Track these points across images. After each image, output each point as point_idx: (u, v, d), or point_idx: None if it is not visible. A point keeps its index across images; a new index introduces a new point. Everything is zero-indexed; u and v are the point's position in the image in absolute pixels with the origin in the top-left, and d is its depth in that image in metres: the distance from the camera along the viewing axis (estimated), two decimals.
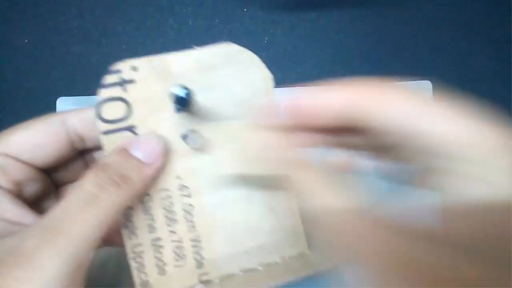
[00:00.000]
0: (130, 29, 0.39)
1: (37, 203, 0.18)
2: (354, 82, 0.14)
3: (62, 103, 0.38)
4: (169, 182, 0.18)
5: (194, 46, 0.18)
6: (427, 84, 0.40)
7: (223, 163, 0.18)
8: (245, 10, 0.40)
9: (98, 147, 0.18)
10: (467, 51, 0.41)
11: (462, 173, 0.12)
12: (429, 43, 0.41)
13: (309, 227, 0.19)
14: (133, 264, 0.17)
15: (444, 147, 0.12)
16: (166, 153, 0.17)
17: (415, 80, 0.40)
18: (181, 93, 0.16)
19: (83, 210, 0.14)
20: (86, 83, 0.38)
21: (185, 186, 0.18)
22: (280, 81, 0.18)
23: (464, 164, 0.12)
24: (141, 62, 0.17)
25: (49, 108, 0.38)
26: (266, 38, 0.39)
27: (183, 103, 0.16)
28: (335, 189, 0.13)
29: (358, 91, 0.14)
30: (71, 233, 0.14)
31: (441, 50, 0.41)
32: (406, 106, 0.13)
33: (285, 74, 0.40)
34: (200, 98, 0.17)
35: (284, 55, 0.39)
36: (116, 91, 0.17)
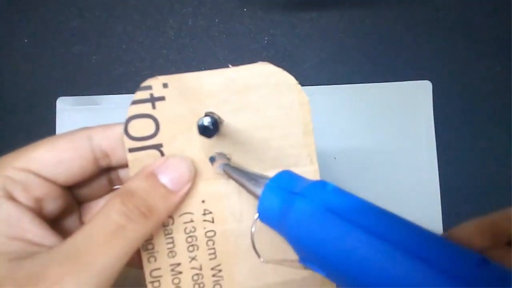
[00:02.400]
0: (130, 29, 0.39)
1: (57, 221, 0.18)
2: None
3: (62, 103, 0.38)
4: (193, 205, 0.17)
5: (230, 65, 0.17)
6: (427, 84, 0.40)
7: None
8: (245, 10, 0.40)
9: (123, 165, 0.17)
10: (467, 51, 0.41)
11: None
12: (429, 43, 0.41)
13: None
14: None
15: None
16: (194, 178, 0.17)
17: (415, 80, 0.40)
18: (207, 122, 0.15)
19: (109, 241, 0.14)
20: (86, 83, 0.38)
21: (209, 211, 0.17)
22: None
23: None
24: (172, 79, 0.17)
25: (49, 108, 0.38)
26: (266, 38, 0.39)
27: (208, 133, 0.15)
28: None
29: None
30: (96, 265, 0.13)
31: (441, 50, 0.41)
32: None
33: None
34: (232, 120, 0.17)
35: (284, 55, 0.39)
36: (145, 108, 0.17)
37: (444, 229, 0.39)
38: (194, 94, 0.17)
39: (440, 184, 0.39)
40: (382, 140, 0.39)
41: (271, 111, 0.17)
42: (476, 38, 0.41)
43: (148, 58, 0.39)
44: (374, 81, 0.40)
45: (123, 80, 0.38)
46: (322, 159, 0.39)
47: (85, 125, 0.18)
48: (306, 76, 0.40)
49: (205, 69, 0.43)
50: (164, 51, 0.39)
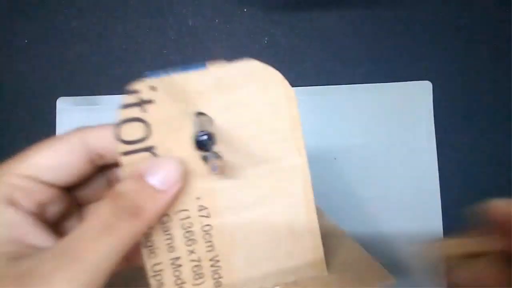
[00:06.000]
0: (130, 29, 0.39)
1: (60, 223, 0.19)
2: None
3: (62, 103, 0.38)
4: (188, 203, 0.18)
5: (209, 62, 0.18)
6: (427, 84, 0.40)
7: (244, 185, 0.18)
8: (245, 10, 0.40)
9: (119, 164, 0.18)
10: (467, 51, 0.41)
11: None
12: (429, 43, 0.41)
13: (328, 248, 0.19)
14: (153, 282, 0.18)
15: None
16: (185, 177, 0.17)
17: (415, 80, 0.40)
18: (202, 138, 0.16)
19: (98, 239, 0.15)
20: (86, 83, 0.38)
21: (204, 207, 0.18)
22: None
23: None
24: (160, 82, 0.17)
25: (49, 108, 0.38)
26: (266, 38, 0.39)
27: (206, 147, 0.16)
28: None
29: None
30: (85, 261, 0.14)
31: (441, 50, 0.41)
32: None
33: (285, 74, 0.39)
34: (221, 118, 0.17)
35: (284, 55, 0.39)
36: (135, 112, 0.17)
37: (444, 229, 0.39)
38: (183, 95, 0.17)
39: (440, 184, 0.39)
40: (382, 140, 0.39)
41: (258, 107, 0.18)
42: (476, 38, 0.41)
43: (148, 58, 0.39)
44: (374, 81, 0.40)
45: (123, 80, 0.38)
46: (322, 159, 0.39)
47: (85, 125, 0.18)
48: (306, 76, 0.40)
49: None
50: (164, 51, 0.39)
